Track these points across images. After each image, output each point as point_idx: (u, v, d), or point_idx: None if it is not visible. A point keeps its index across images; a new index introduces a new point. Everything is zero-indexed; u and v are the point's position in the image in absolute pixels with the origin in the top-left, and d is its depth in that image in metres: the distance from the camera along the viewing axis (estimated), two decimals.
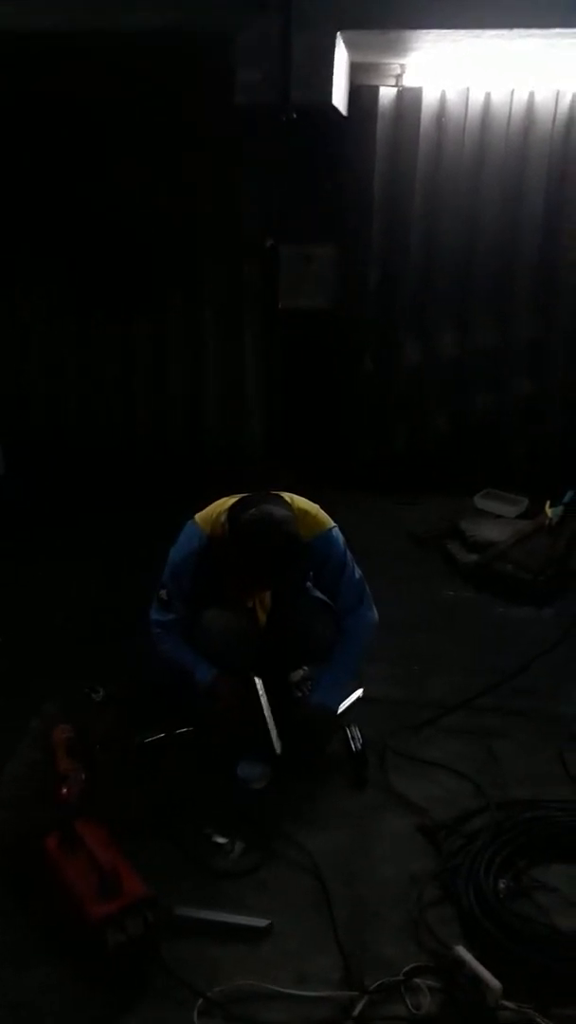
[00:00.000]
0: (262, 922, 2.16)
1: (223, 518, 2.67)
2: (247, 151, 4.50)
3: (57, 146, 4.56)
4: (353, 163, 4.52)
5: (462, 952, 2.01)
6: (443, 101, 4.40)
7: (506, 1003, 1.93)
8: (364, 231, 4.63)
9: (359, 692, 3.04)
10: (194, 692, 2.76)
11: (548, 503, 4.25)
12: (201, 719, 2.78)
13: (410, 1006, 1.97)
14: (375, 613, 2.85)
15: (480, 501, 4.59)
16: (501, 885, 2.24)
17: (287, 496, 2.73)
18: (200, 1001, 1.95)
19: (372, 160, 4.50)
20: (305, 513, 2.72)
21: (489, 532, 4.22)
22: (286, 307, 4.69)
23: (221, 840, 2.40)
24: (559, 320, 4.66)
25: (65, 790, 2.25)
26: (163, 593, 2.75)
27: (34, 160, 4.60)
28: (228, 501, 2.73)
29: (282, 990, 1.99)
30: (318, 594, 2.87)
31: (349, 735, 2.80)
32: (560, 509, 4.18)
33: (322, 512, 2.79)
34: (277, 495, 2.71)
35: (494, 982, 1.94)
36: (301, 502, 2.77)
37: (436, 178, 4.52)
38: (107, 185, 4.61)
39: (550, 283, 4.62)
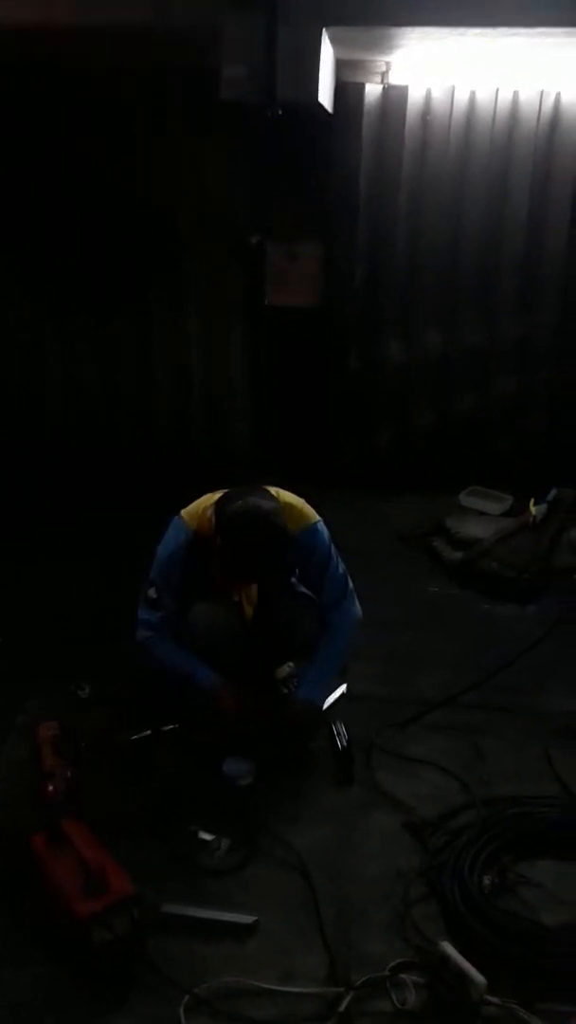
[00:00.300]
0: (248, 919, 2.17)
1: (209, 512, 2.67)
2: (232, 148, 4.49)
3: (38, 144, 4.53)
4: (339, 160, 4.52)
5: (447, 948, 2.02)
6: (428, 99, 4.40)
7: (491, 998, 1.95)
8: (350, 228, 4.62)
9: (343, 688, 3.05)
10: (189, 694, 2.75)
11: (532, 500, 4.27)
12: (190, 717, 2.77)
13: (395, 1001, 1.98)
14: (359, 608, 2.86)
15: (465, 498, 4.61)
16: (486, 881, 2.26)
17: (273, 490, 2.74)
18: (187, 998, 1.95)
19: (358, 157, 4.50)
20: (291, 507, 2.73)
21: (474, 529, 4.23)
22: (272, 304, 4.68)
23: (207, 837, 2.40)
24: (544, 318, 4.68)
25: (51, 788, 2.24)
26: (151, 591, 2.74)
27: (15, 159, 4.56)
28: (214, 496, 2.73)
29: (268, 986, 2.00)
30: (303, 589, 2.87)
31: (335, 732, 2.81)
32: (544, 507, 4.20)
33: (307, 506, 2.80)
34: (263, 488, 2.71)
35: (479, 978, 1.95)
36: (287, 496, 2.77)
37: (422, 176, 4.52)
38: (90, 184, 4.58)
39: (535, 281, 4.63)
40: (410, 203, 4.57)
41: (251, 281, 4.72)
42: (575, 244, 4.53)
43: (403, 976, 2.02)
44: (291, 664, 3.02)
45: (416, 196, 4.55)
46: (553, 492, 4.23)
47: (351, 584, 2.86)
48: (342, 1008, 1.95)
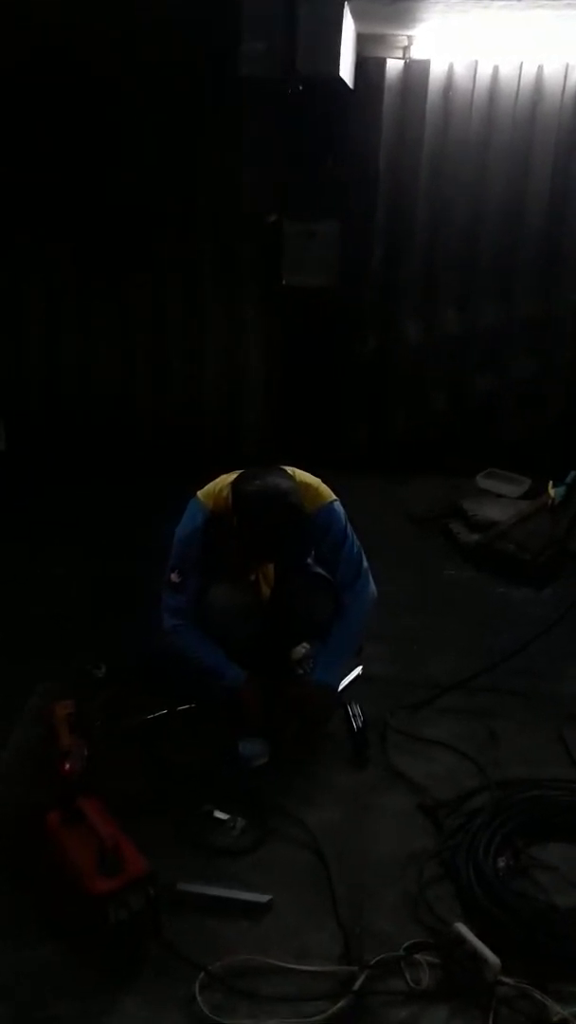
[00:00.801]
0: (263, 898, 2.18)
1: (225, 492, 2.67)
2: (250, 125, 4.43)
3: (54, 121, 4.48)
4: (358, 137, 4.46)
5: (461, 929, 2.02)
6: (451, 74, 4.33)
7: (504, 979, 1.96)
8: (368, 207, 4.57)
9: (358, 670, 3.05)
10: (212, 685, 2.75)
11: (551, 483, 4.23)
12: (208, 701, 2.78)
13: (409, 981, 1.98)
14: (374, 588, 2.85)
15: (482, 481, 4.58)
16: (500, 864, 2.26)
17: (289, 469, 2.73)
18: (201, 975, 1.97)
19: (378, 134, 4.44)
20: (307, 486, 2.72)
21: (491, 512, 4.21)
22: (288, 284, 4.64)
23: (222, 817, 2.41)
24: (563, 299, 4.62)
25: (68, 765, 2.25)
26: (173, 576, 2.73)
27: (33, 135, 4.52)
28: (230, 476, 2.72)
29: (283, 964, 2.01)
30: (319, 570, 2.87)
31: (350, 713, 2.81)
32: (563, 489, 4.17)
33: (323, 485, 2.79)
34: (279, 468, 2.70)
35: (493, 958, 1.96)
36: (303, 475, 2.76)
37: (442, 153, 4.46)
38: (106, 160, 4.53)
39: (556, 261, 4.58)
40: (430, 181, 4.52)
41: (267, 260, 4.68)
42: None
43: (417, 956, 2.02)
44: (307, 645, 3.02)
45: (437, 174, 4.50)
46: (572, 475, 4.19)
47: (366, 564, 2.85)
48: (356, 987, 1.96)
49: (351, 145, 4.46)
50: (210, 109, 4.41)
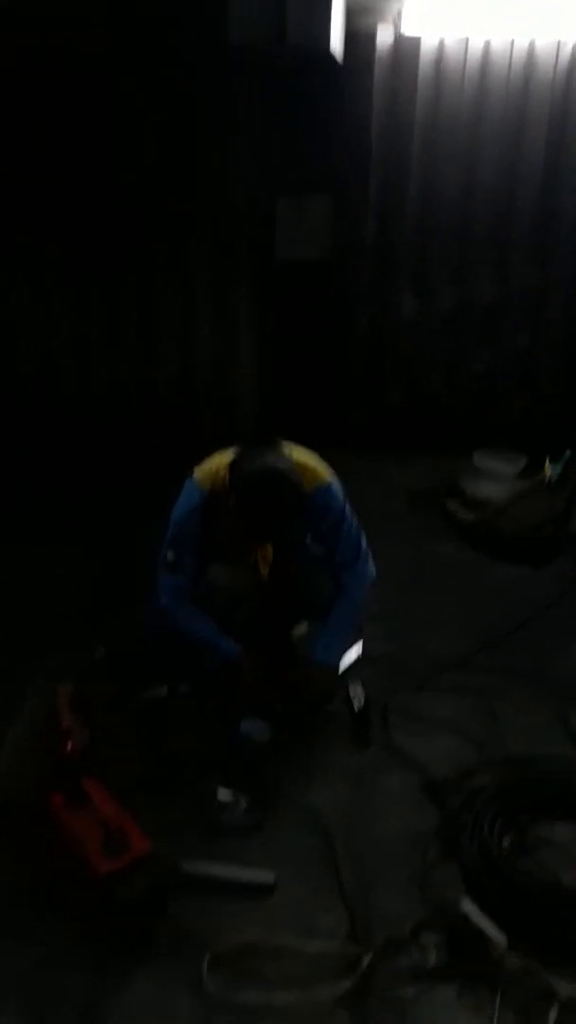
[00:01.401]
0: (269, 878, 2.17)
1: (223, 472, 2.63)
2: (241, 101, 4.37)
3: (41, 101, 4.39)
4: (349, 112, 4.40)
5: (467, 907, 2.02)
6: (441, 49, 4.28)
7: (510, 957, 1.95)
8: (361, 182, 4.51)
9: (359, 649, 3.03)
10: (209, 661, 2.74)
11: (548, 461, 4.22)
12: (207, 680, 2.76)
13: (416, 960, 1.98)
14: (373, 568, 2.83)
15: (478, 459, 4.56)
16: (505, 842, 2.26)
17: (287, 447, 2.70)
18: (208, 956, 1.95)
19: (369, 109, 4.38)
20: (304, 466, 2.69)
21: (488, 490, 4.20)
22: (281, 259, 4.59)
23: (226, 796, 2.39)
24: (559, 271, 4.60)
25: (70, 746, 2.23)
26: (169, 555, 2.70)
27: (19, 118, 4.44)
28: (226, 454, 2.69)
29: (289, 944, 2.00)
30: (318, 550, 2.84)
31: (351, 693, 2.79)
32: (560, 467, 4.15)
33: (321, 464, 2.76)
34: (277, 446, 2.67)
35: (499, 936, 1.96)
36: (300, 454, 2.74)
37: (434, 128, 4.41)
38: (91, 139, 4.45)
39: (549, 234, 4.55)
40: (422, 155, 4.47)
41: (259, 236, 4.63)
42: None
43: (423, 935, 2.02)
44: (306, 624, 3.00)
45: (429, 147, 4.45)
46: (568, 452, 4.18)
47: (365, 544, 2.83)
48: (363, 966, 1.95)
49: (343, 120, 4.41)
50: (201, 82, 4.34)
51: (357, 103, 4.38)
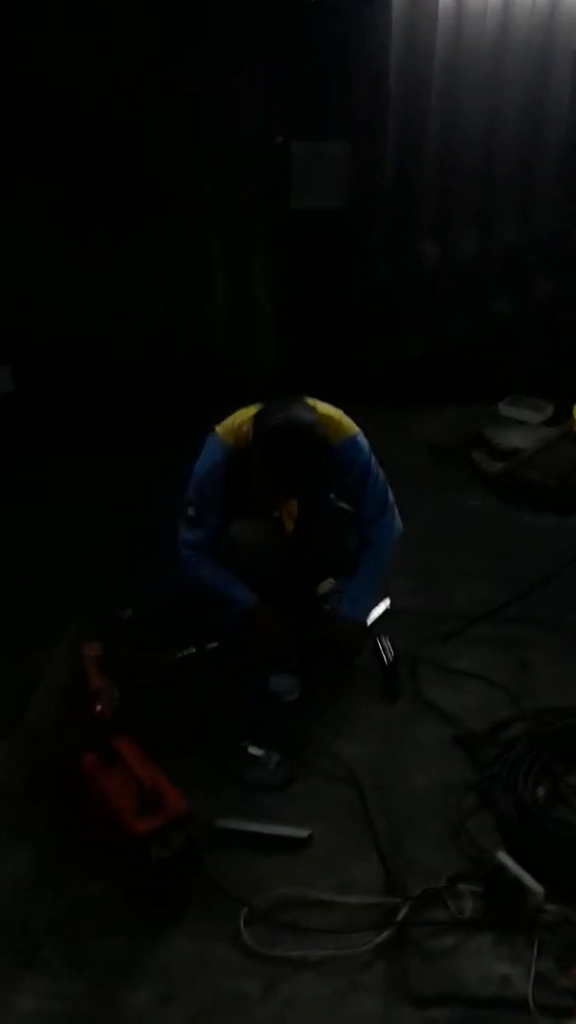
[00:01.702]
0: (303, 832, 2.18)
1: (246, 427, 2.60)
2: (253, 42, 4.22)
3: (46, 49, 4.27)
4: (367, 50, 4.24)
5: (503, 857, 2.01)
6: None
7: (547, 907, 1.95)
8: (379, 124, 4.36)
9: (386, 603, 3.01)
10: (229, 613, 2.73)
11: (575, 408, 4.13)
12: (233, 636, 2.75)
13: (453, 911, 1.98)
14: (400, 522, 2.80)
15: (504, 408, 4.48)
16: (539, 792, 2.25)
17: (311, 401, 2.65)
18: (245, 910, 1.97)
19: (387, 46, 4.21)
20: (329, 418, 2.64)
21: (514, 439, 4.13)
22: (298, 207, 4.48)
23: (257, 752, 2.40)
24: None
25: (100, 707, 2.23)
26: (191, 510, 2.68)
27: (24, 66, 4.32)
28: (249, 410, 2.65)
29: (326, 897, 2.01)
30: (344, 504, 2.81)
31: (380, 647, 2.78)
32: None
33: (346, 418, 2.72)
34: (300, 400, 2.62)
35: (535, 886, 1.95)
36: (325, 407, 2.69)
37: (455, 64, 4.24)
38: (99, 84, 4.32)
39: (574, 176, 4.40)
40: (443, 94, 4.30)
41: (275, 183, 4.50)
42: None
43: (459, 886, 2.02)
44: (332, 580, 2.98)
45: (450, 86, 4.28)
46: None
47: (392, 498, 2.79)
48: (400, 917, 1.96)
49: (360, 59, 4.25)
50: (214, 25, 4.19)
51: (375, 39, 4.20)
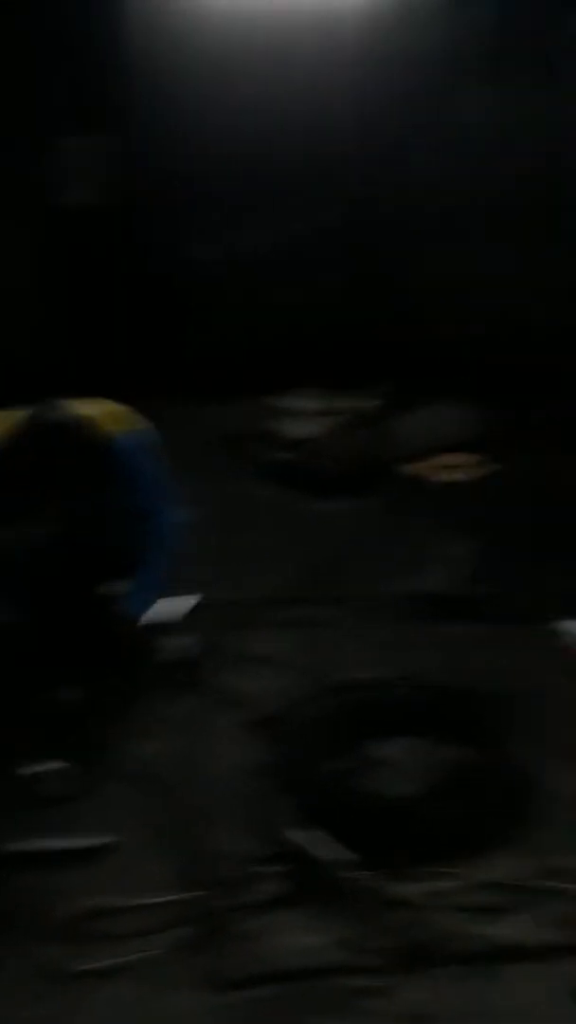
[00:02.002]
0: (102, 840, 2.08)
1: (6, 432, 2.48)
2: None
3: None
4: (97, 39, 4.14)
5: (303, 835, 2.02)
6: None
7: (353, 875, 1.96)
8: (133, 119, 4.30)
9: (196, 599, 2.95)
10: None
11: (356, 397, 4.27)
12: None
13: (259, 893, 1.96)
14: (182, 513, 2.75)
15: (289, 399, 4.56)
16: (340, 766, 2.27)
17: (83, 398, 2.60)
18: (45, 930, 1.85)
19: (123, 35, 4.13)
20: (102, 416, 2.59)
21: (299, 429, 4.21)
22: (65, 205, 4.35)
23: (40, 768, 2.27)
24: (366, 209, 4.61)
25: None
26: None
27: None
28: (9, 416, 2.54)
29: (133, 901, 1.92)
30: (123, 500, 2.73)
31: (175, 640, 2.72)
32: (369, 403, 4.21)
33: (126, 412, 2.68)
34: (71, 398, 2.57)
35: (341, 855, 1.96)
36: (100, 403, 2.64)
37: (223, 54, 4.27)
38: None
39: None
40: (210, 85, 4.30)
41: (39, 181, 4.35)
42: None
43: (264, 869, 2.00)
44: (114, 579, 2.88)
45: (212, 80, 4.30)
46: (381, 388, 4.24)
47: (172, 490, 2.75)
48: (209, 909, 1.91)
49: (109, 48, 4.16)
50: None
51: (107, 24, 4.10)
